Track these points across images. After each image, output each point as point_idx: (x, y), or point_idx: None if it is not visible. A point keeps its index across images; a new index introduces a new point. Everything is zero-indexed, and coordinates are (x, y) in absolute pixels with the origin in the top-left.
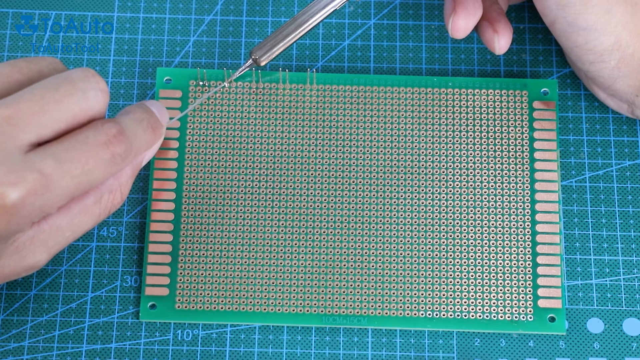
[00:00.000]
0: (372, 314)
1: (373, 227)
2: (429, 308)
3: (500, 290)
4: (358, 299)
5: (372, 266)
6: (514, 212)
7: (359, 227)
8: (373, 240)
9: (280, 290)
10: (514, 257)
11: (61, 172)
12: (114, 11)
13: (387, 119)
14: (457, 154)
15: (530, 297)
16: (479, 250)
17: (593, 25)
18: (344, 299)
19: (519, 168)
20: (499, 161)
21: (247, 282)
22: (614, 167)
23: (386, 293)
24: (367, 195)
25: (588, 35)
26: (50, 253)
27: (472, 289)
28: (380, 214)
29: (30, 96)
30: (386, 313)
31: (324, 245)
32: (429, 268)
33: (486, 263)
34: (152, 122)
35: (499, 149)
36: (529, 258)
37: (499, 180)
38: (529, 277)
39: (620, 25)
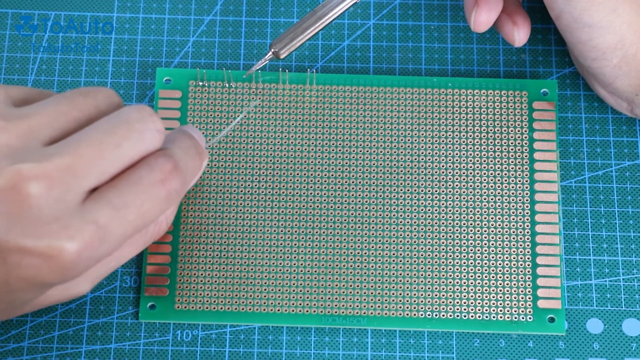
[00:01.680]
0: (371, 314)
1: (372, 227)
2: (429, 308)
3: (500, 290)
4: (357, 299)
5: (372, 266)
6: (513, 213)
7: (359, 227)
8: (372, 240)
9: (279, 290)
10: (514, 258)
11: (118, 220)
12: (113, 11)
13: (387, 119)
14: (456, 154)
15: (529, 298)
16: (478, 250)
17: (598, 23)
18: (343, 299)
19: (519, 168)
20: (498, 162)
21: (246, 282)
22: (614, 167)
23: (385, 293)
24: (366, 195)
25: (592, 32)
26: (93, 283)
27: (472, 290)
28: (380, 214)
29: (89, 141)
30: (386, 313)
31: (323, 245)
32: (429, 268)
33: (486, 263)
34: (198, 149)
35: (498, 149)
36: (528, 258)
37: (498, 180)
38: (529, 278)
39: (626, 24)
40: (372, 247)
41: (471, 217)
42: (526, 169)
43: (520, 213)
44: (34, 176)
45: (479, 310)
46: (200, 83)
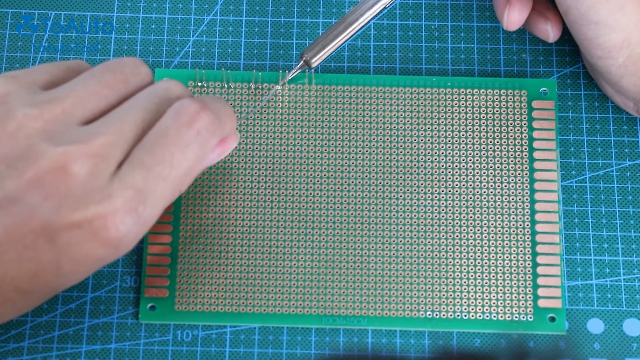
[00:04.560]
0: (372, 314)
1: (373, 227)
2: (429, 308)
3: (500, 290)
4: (358, 299)
5: (372, 266)
6: (513, 212)
7: (359, 227)
8: (373, 240)
9: (279, 291)
10: (514, 257)
11: (153, 179)
12: (113, 11)
13: (386, 119)
14: (456, 154)
15: (530, 297)
16: (478, 250)
17: (605, 21)
18: (343, 299)
19: (519, 168)
20: (498, 161)
21: (246, 282)
22: (614, 167)
23: (386, 293)
24: (366, 195)
25: (598, 30)
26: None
27: (472, 289)
28: (380, 214)
29: (130, 117)
30: (386, 314)
31: (323, 245)
32: (429, 268)
33: (486, 263)
34: (227, 104)
35: (498, 149)
36: (528, 258)
37: (498, 180)
38: (529, 277)
39: (632, 24)
40: (372, 247)
41: (471, 217)
42: (526, 168)
43: (520, 212)
44: (79, 155)
45: (480, 310)
46: (199, 84)
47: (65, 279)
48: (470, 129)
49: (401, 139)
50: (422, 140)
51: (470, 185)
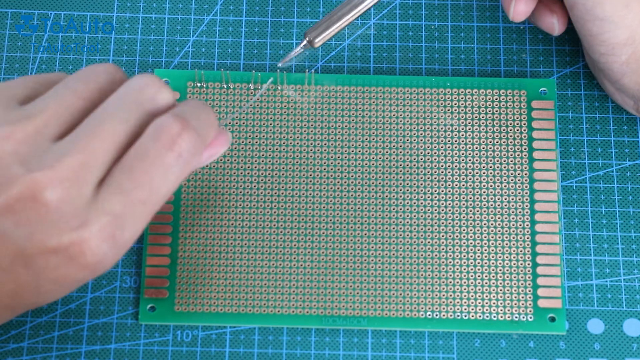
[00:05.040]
0: (371, 314)
1: (372, 227)
2: (429, 309)
3: (500, 290)
4: (358, 299)
5: (372, 267)
6: (513, 212)
7: (358, 227)
8: (372, 240)
9: (279, 291)
10: (514, 257)
11: (131, 203)
12: (113, 11)
13: (386, 119)
14: (456, 154)
15: (530, 297)
16: (478, 250)
17: (610, 17)
18: (343, 299)
19: (518, 168)
20: (497, 161)
21: (246, 283)
22: (615, 167)
23: (386, 294)
24: (366, 195)
25: (603, 26)
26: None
27: (472, 290)
28: (380, 214)
29: (100, 132)
30: (386, 314)
31: (323, 246)
32: (429, 269)
33: (486, 263)
34: (206, 109)
35: (497, 148)
36: (528, 258)
37: (498, 180)
38: (529, 277)
39: (637, 21)
40: (372, 247)
41: (471, 217)
42: (525, 168)
43: (520, 213)
44: (49, 182)
45: (480, 310)
46: (198, 84)
47: (46, 297)
48: (470, 129)
49: (401, 139)
50: (421, 140)
51: (470, 185)
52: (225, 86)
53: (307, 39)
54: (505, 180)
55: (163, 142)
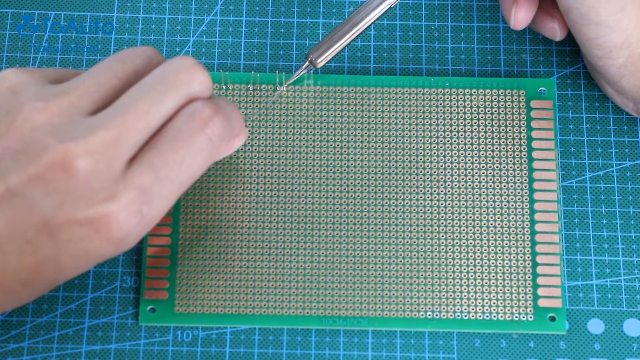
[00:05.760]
0: (372, 315)
1: (372, 227)
2: (429, 309)
3: (500, 290)
4: (358, 300)
5: (372, 267)
6: (512, 212)
7: (358, 228)
8: (372, 241)
9: (279, 292)
10: (514, 257)
11: (160, 181)
12: (113, 11)
13: (386, 119)
14: (455, 154)
15: (530, 297)
16: (478, 250)
17: (605, 21)
18: (343, 300)
19: (518, 168)
20: (497, 161)
21: (246, 284)
22: (615, 167)
23: (386, 294)
24: (366, 196)
25: (599, 30)
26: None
27: (472, 290)
28: (380, 215)
29: (133, 109)
30: (386, 314)
31: (323, 246)
32: (429, 269)
33: (485, 263)
34: (236, 105)
35: (497, 148)
36: (528, 258)
37: (497, 180)
38: (529, 277)
39: (633, 25)
40: (372, 247)
41: (471, 217)
42: (525, 167)
43: (519, 212)
44: (80, 152)
45: (480, 310)
46: None
47: (65, 272)
48: (469, 129)
49: (401, 139)
50: (421, 140)
51: (470, 185)
52: (224, 87)
53: (309, 59)
54: (505, 180)
55: (195, 124)
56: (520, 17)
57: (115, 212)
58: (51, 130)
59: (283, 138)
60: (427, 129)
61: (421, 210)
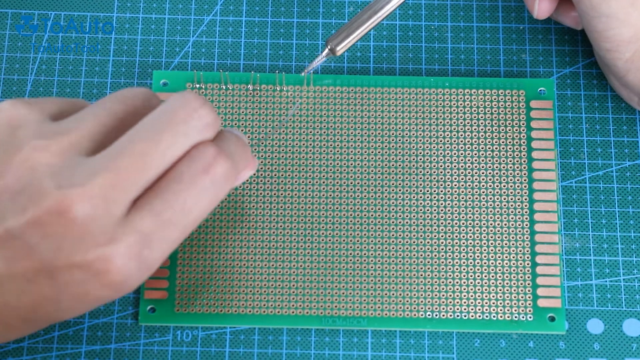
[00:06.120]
0: (371, 315)
1: (372, 227)
2: (429, 309)
3: (500, 290)
4: (357, 300)
5: (371, 267)
6: (512, 212)
7: (358, 228)
8: (372, 241)
9: (279, 292)
10: (513, 257)
11: (161, 225)
12: (113, 11)
13: (386, 119)
14: (455, 154)
15: (529, 297)
16: (477, 250)
17: (615, 14)
18: (343, 300)
19: (517, 168)
20: (496, 161)
21: (246, 284)
22: (614, 167)
23: (385, 294)
24: (366, 196)
25: (608, 23)
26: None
27: (472, 289)
28: (379, 215)
29: (131, 152)
30: (386, 314)
31: (322, 246)
32: (428, 269)
33: (485, 263)
34: (241, 138)
35: (496, 149)
36: (527, 258)
37: (497, 180)
38: (528, 277)
39: None
40: (372, 247)
41: (470, 217)
42: (524, 168)
43: (519, 212)
44: (79, 198)
45: (479, 310)
46: (197, 85)
47: (65, 313)
48: (468, 129)
49: (400, 140)
50: (421, 140)
51: (470, 185)
52: (224, 87)
53: (329, 47)
54: (504, 180)
55: (198, 165)
56: (543, 7)
57: (113, 256)
58: (50, 173)
59: (283, 138)
60: (427, 129)
61: (421, 210)
